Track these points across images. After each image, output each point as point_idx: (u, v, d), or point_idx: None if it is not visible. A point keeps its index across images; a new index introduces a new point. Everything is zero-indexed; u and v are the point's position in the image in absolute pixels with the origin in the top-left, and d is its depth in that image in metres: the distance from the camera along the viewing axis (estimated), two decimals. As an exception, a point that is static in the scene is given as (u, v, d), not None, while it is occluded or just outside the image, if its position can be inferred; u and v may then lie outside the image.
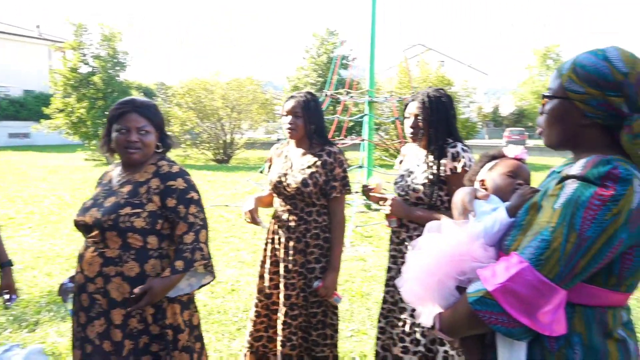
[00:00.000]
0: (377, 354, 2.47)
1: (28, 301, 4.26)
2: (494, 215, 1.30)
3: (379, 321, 2.48)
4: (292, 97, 2.59)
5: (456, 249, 1.25)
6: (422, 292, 1.29)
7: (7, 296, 2.39)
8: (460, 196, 1.43)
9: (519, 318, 1.06)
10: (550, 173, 1.32)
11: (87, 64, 18.38)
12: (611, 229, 1.05)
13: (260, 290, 2.67)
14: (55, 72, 18.69)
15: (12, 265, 2.47)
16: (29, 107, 27.62)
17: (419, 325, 2.22)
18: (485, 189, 1.49)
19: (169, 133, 2.14)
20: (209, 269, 1.97)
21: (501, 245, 1.25)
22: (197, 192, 2.00)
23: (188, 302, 2.05)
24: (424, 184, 2.27)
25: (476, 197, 1.43)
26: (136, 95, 18.16)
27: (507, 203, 1.33)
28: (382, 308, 2.47)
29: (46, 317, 3.95)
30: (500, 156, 1.56)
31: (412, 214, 2.30)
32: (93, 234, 1.93)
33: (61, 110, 17.90)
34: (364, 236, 7.09)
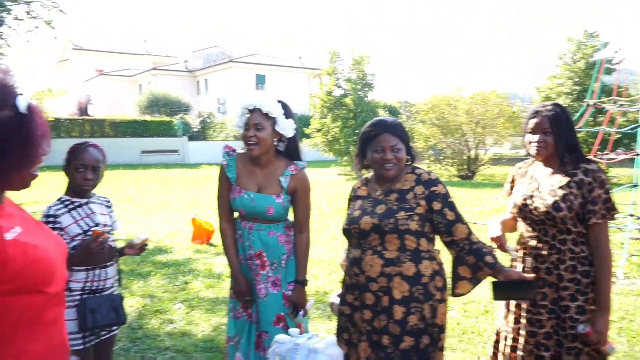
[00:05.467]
0: None
1: (300, 299, 4.82)
2: None
3: None
4: (536, 112, 2.30)
5: None
6: None
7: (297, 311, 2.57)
8: None
9: None
10: None
11: (340, 87, 20.26)
12: None
13: (505, 316, 2.46)
14: (314, 96, 21.13)
15: (304, 285, 2.63)
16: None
17: None
18: None
19: (411, 145, 2.29)
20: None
21: None
22: None
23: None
24: None
25: None
26: (382, 114, 19.36)
27: None
28: None
29: (315, 314, 4.43)
30: None
31: None
32: (370, 238, 2.13)
33: (318, 130, 20.13)
34: None
